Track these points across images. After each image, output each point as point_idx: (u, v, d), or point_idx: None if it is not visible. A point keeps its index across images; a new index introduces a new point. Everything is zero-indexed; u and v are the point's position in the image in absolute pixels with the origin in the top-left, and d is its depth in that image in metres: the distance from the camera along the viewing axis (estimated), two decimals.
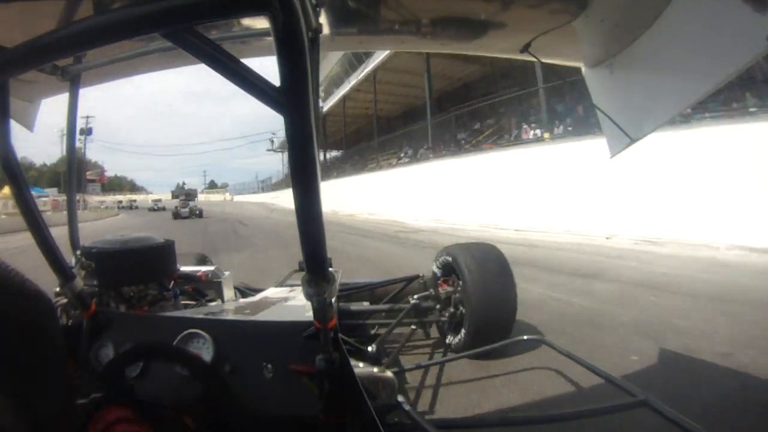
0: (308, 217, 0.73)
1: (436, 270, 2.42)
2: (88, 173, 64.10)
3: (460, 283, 2.16)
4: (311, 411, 0.97)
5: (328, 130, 27.56)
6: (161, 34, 0.56)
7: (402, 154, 18.82)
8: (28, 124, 1.64)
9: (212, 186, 77.06)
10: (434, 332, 2.46)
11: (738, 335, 2.43)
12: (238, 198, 57.99)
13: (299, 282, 0.89)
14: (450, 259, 2.28)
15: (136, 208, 36.01)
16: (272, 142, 45.05)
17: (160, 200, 36.50)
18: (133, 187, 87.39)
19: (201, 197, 56.94)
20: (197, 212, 22.41)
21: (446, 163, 13.19)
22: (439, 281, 2.38)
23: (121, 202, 42.39)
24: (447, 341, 2.27)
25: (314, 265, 0.80)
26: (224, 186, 72.22)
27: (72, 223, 1.39)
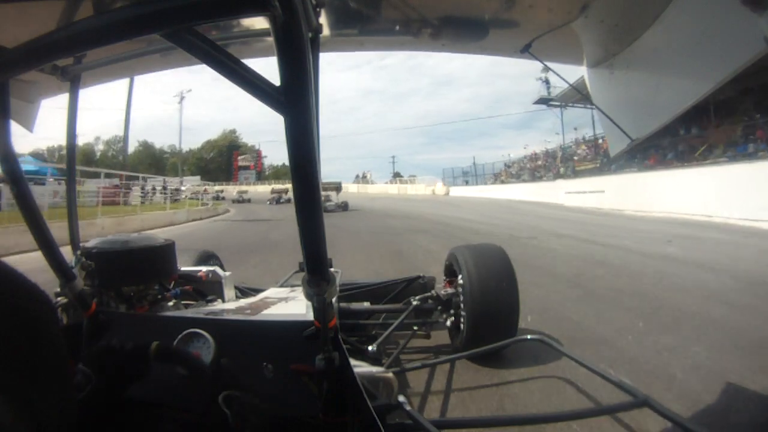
0: (308, 217, 0.73)
1: (443, 272, 2.43)
2: (240, 158, 53.23)
3: (461, 284, 2.16)
4: (311, 411, 0.97)
5: None
6: (161, 34, 0.56)
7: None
8: (28, 125, 1.64)
9: (397, 176, 57.92)
10: (435, 333, 2.46)
11: None
12: (459, 191, 34.10)
13: (299, 282, 0.90)
14: (452, 260, 2.29)
15: (223, 198, 31.55)
16: (547, 84, 26.91)
17: (246, 192, 33.69)
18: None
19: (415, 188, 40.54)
20: (342, 206, 19.92)
21: None
22: (445, 282, 2.38)
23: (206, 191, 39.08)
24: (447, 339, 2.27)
25: (314, 265, 0.80)
26: (412, 177, 50.47)
27: (72, 223, 1.39)
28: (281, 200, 24.92)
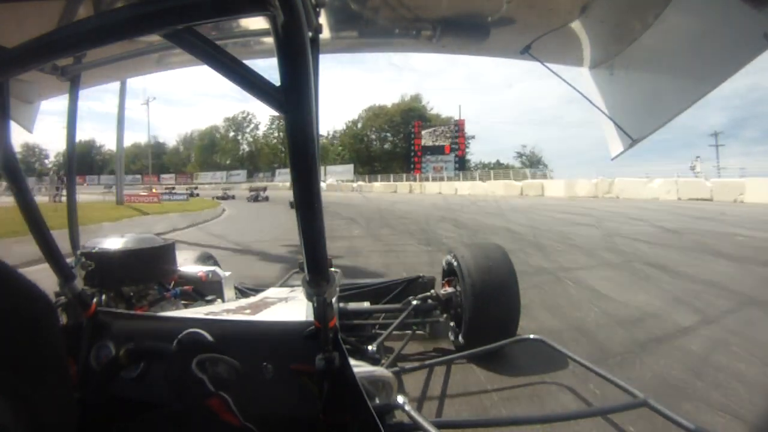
0: (309, 216, 0.73)
1: (442, 271, 2.43)
2: (424, 133, 31.39)
3: (462, 284, 2.16)
4: (311, 411, 0.97)
5: None
6: (161, 34, 0.56)
7: None
8: (28, 126, 1.64)
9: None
10: (434, 333, 2.46)
11: None
12: None
13: (299, 282, 0.90)
14: (452, 260, 2.29)
15: (197, 195, 28.94)
16: None
17: (230, 188, 32.67)
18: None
19: None
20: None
21: None
22: (443, 282, 2.38)
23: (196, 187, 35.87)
24: (448, 340, 2.27)
25: (314, 265, 0.80)
26: None
27: (72, 222, 1.39)
28: (259, 198, 25.54)
